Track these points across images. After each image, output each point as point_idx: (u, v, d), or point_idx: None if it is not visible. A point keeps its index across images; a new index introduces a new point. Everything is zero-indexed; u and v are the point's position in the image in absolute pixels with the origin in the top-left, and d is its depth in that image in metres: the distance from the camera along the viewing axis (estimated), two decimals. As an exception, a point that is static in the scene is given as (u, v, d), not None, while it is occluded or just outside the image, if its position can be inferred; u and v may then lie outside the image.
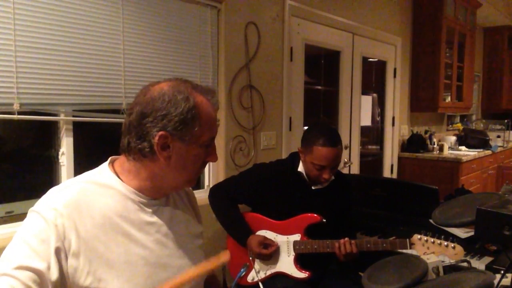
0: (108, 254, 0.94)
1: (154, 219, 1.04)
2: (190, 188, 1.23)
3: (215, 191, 2.08)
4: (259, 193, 1.99)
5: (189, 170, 1.02)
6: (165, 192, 1.07)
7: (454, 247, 1.58)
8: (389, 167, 4.60)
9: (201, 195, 2.60)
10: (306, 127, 2.97)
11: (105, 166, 1.05)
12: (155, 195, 1.05)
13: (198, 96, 1.00)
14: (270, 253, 1.91)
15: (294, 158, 2.05)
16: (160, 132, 0.95)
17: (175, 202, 1.13)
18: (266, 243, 1.92)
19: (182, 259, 1.08)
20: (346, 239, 1.82)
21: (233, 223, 2.00)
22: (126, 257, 0.97)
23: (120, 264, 0.95)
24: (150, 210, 1.04)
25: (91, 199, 0.97)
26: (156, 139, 0.95)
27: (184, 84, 1.00)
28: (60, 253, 0.90)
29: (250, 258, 1.93)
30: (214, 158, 1.06)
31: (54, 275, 0.88)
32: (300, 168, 2.00)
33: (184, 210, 1.16)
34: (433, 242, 1.63)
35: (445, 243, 1.60)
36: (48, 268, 0.87)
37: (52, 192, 0.98)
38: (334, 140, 1.88)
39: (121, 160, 1.04)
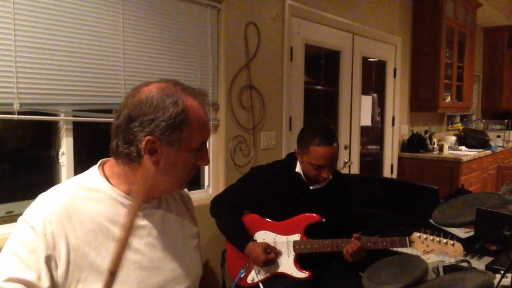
0: (99, 260, 0.93)
1: (145, 222, 1.02)
2: (185, 189, 1.21)
3: (215, 202, 2.07)
4: (258, 195, 1.99)
5: (179, 174, 1.00)
6: (155, 195, 1.05)
7: (453, 245, 1.58)
8: (389, 167, 4.60)
9: (201, 195, 2.61)
10: (306, 127, 2.96)
11: (94, 170, 1.03)
12: (146, 198, 1.03)
13: (189, 100, 0.97)
14: (276, 257, 1.90)
15: (291, 159, 2.05)
16: (147, 137, 0.92)
17: (168, 204, 1.11)
18: (270, 249, 1.90)
19: (175, 261, 1.06)
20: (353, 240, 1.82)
21: (232, 231, 1.98)
22: None
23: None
24: (141, 213, 1.02)
25: (81, 205, 0.95)
26: (143, 144, 0.93)
27: (174, 86, 0.97)
28: (50, 262, 0.89)
29: (250, 259, 1.92)
30: (205, 162, 1.03)
31: (45, 284, 0.87)
32: (298, 168, 1.99)
33: (178, 211, 1.14)
34: (433, 240, 1.64)
35: (445, 241, 1.60)
36: (39, 278, 0.86)
37: (41, 199, 0.96)
38: (329, 139, 1.88)
39: (110, 163, 1.03)
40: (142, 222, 1.02)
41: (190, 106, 0.96)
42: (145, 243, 1.01)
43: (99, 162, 1.05)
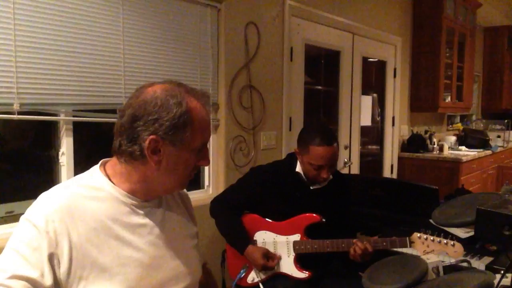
0: (101, 258, 0.94)
1: (146, 221, 1.03)
2: (184, 189, 1.23)
3: (215, 203, 2.06)
4: (259, 196, 1.98)
5: (180, 174, 1.01)
6: (156, 194, 1.07)
7: (453, 245, 1.58)
8: (389, 167, 4.59)
9: (200, 195, 2.61)
10: (306, 127, 2.95)
11: (96, 169, 1.04)
12: (147, 197, 1.04)
13: (192, 101, 0.98)
14: (275, 264, 1.90)
15: (291, 159, 2.04)
16: (151, 136, 0.94)
17: (168, 204, 1.13)
18: (269, 255, 1.90)
19: (176, 259, 1.08)
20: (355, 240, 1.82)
21: (232, 233, 1.97)
22: (119, 260, 0.96)
23: (113, 267, 0.95)
24: (142, 212, 1.03)
25: (83, 203, 0.96)
26: (147, 143, 0.94)
27: (178, 87, 0.99)
28: (53, 259, 0.89)
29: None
30: (206, 163, 1.05)
31: (48, 282, 0.87)
32: (298, 168, 1.99)
33: (178, 211, 1.15)
34: (433, 240, 1.64)
35: (445, 241, 1.60)
36: (42, 276, 0.87)
37: (43, 198, 0.96)
38: (329, 139, 1.88)
39: (112, 162, 1.04)
40: (143, 220, 1.03)
41: (193, 107, 0.98)
42: (146, 241, 1.02)
43: (100, 162, 1.06)
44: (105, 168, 1.04)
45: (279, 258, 1.93)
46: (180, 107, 0.95)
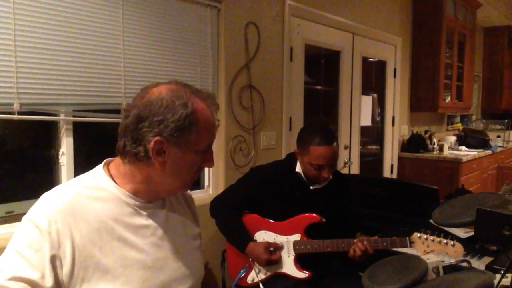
0: (104, 259, 0.93)
1: (150, 222, 1.03)
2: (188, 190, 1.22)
3: (215, 203, 2.07)
4: (258, 195, 1.98)
5: (184, 175, 1.01)
6: (160, 195, 1.06)
7: (454, 245, 1.59)
8: (389, 167, 4.59)
9: (201, 195, 2.61)
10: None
11: (99, 169, 1.03)
12: (150, 198, 1.04)
13: (198, 102, 0.98)
14: (279, 257, 1.90)
15: (291, 159, 2.04)
16: (156, 138, 0.93)
17: (172, 204, 1.12)
18: (271, 248, 1.90)
19: (179, 261, 1.07)
20: (356, 240, 1.82)
21: (232, 232, 1.98)
22: (122, 261, 0.96)
23: (116, 268, 0.94)
24: (145, 213, 1.03)
25: (85, 204, 0.95)
26: (152, 144, 0.93)
27: (184, 88, 0.98)
28: (55, 261, 0.89)
29: (251, 259, 1.92)
30: (211, 164, 1.05)
31: (48, 283, 0.87)
32: (298, 168, 1.99)
33: (181, 212, 1.15)
34: (433, 240, 1.64)
35: (445, 241, 1.60)
36: (43, 277, 0.87)
37: (45, 198, 0.96)
38: (329, 138, 1.88)
39: (116, 163, 1.03)
40: (146, 221, 1.03)
41: (199, 109, 0.97)
42: (149, 242, 1.02)
43: (103, 162, 1.06)
44: (108, 168, 1.04)
45: (281, 247, 1.92)
46: (185, 108, 0.94)
